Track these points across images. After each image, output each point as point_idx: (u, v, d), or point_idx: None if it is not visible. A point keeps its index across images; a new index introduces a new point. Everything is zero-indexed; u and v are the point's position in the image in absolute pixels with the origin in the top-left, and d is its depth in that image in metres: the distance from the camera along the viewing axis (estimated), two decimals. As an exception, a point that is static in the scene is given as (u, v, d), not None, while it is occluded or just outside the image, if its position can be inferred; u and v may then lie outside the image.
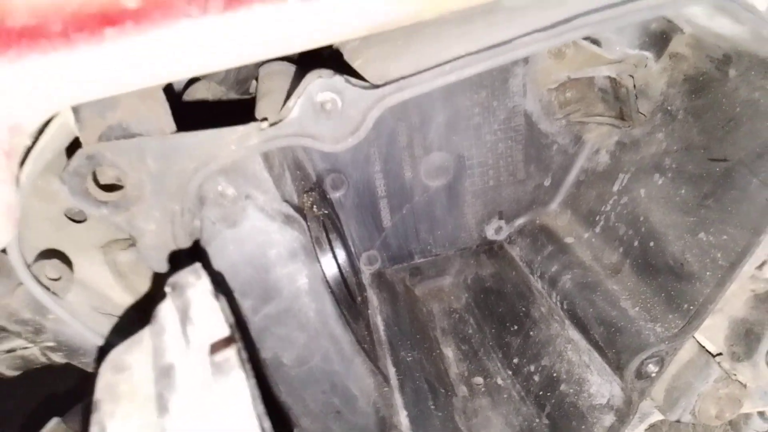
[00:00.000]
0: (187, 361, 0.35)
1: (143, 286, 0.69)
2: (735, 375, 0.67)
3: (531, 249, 0.91)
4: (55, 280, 0.59)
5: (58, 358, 0.69)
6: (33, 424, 0.91)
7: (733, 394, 0.67)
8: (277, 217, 0.53)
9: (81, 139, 0.50)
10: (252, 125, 0.50)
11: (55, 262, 0.60)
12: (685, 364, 0.69)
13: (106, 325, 0.64)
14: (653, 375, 0.69)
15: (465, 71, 0.50)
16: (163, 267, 0.55)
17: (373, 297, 0.97)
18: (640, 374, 0.69)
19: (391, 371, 0.83)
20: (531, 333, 0.90)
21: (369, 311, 0.88)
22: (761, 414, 0.90)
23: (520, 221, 0.94)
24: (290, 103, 0.50)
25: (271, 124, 0.50)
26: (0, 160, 0.37)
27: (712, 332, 0.68)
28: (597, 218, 0.84)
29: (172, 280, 0.41)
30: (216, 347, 0.33)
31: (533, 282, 0.91)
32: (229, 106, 0.78)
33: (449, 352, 1.00)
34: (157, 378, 0.36)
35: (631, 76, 0.77)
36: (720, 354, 0.67)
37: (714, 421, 0.69)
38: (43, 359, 0.77)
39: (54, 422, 0.90)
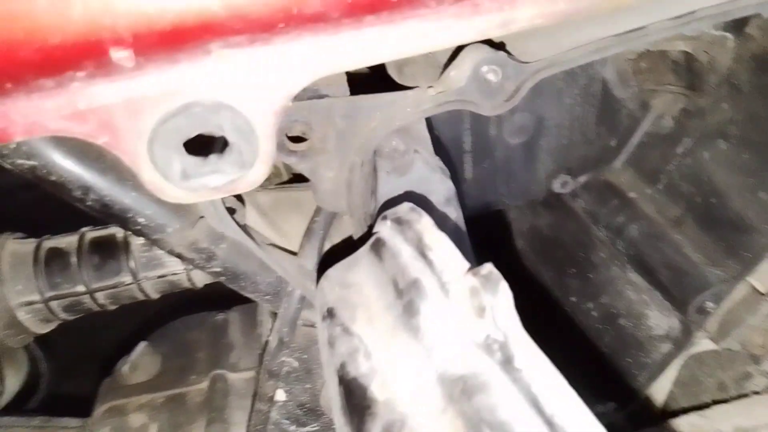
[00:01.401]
0: (433, 279, 0.46)
1: (284, 223, 0.79)
2: (781, 312, 0.80)
3: (595, 202, 1.03)
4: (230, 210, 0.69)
5: (213, 279, 0.79)
6: (123, 349, 1.02)
7: (778, 328, 0.80)
8: (437, 169, 0.64)
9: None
10: (422, 91, 0.60)
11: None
12: (738, 301, 0.81)
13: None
14: (711, 310, 0.82)
15: (602, 53, 0.60)
16: (334, 207, 0.66)
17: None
18: (701, 309, 0.82)
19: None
20: (590, 275, 1.02)
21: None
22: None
23: (585, 177, 1.05)
24: (454, 72, 0.59)
25: (440, 92, 0.59)
26: (270, 118, 0.47)
27: (762, 275, 0.80)
28: (660, 176, 0.95)
29: (394, 215, 0.51)
30: (474, 267, 0.43)
31: (595, 231, 1.03)
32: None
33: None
34: (405, 290, 0.47)
35: (705, 51, 0.87)
36: (769, 294, 0.80)
37: (759, 350, 0.82)
38: (186, 284, 0.88)
39: (142, 346, 1.01)
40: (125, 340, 1.06)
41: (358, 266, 0.53)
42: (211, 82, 0.45)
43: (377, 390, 0.45)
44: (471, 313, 0.43)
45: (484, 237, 1.23)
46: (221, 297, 0.95)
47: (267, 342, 0.76)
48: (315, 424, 0.84)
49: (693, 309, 0.81)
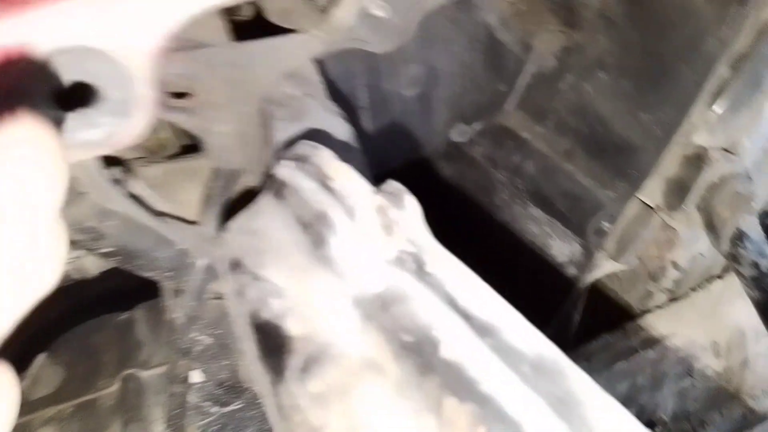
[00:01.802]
0: (338, 208, 0.45)
1: (181, 193, 0.76)
2: (670, 222, 0.86)
3: (492, 146, 1.06)
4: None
5: (107, 263, 0.75)
6: (21, 362, 0.95)
7: (669, 238, 0.86)
8: (333, 113, 0.63)
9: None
10: (310, 33, 0.59)
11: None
12: (632, 219, 0.87)
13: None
14: (608, 230, 0.87)
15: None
16: (230, 164, 0.64)
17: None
18: (598, 231, 0.87)
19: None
20: (495, 218, 1.06)
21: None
22: (675, 265, 1.12)
23: (480, 124, 1.08)
24: (340, 12, 0.59)
25: (328, 33, 0.59)
26: (145, 61, 0.45)
27: (651, 192, 0.86)
28: (549, 114, 0.99)
29: (292, 154, 0.50)
30: (379, 184, 0.43)
31: (494, 174, 1.06)
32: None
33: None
34: (311, 223, 0.46)
35: (576, -13, 0.91)
36: (658, 207, 0.86)
37: (655, 262, 0.88)
38: (76, 275, 0.83)
39: (40, 358, 0.95)
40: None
41: (261, 212, 0.51)
42: (72, 25, 0.42)
43: (293, 326, 0.44)
44: (380, 232, 0.43)
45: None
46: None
47: (173, 320, 0.73)
48: (239, 402, 0.82)
49: (591, 231, 0.85)
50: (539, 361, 0.34)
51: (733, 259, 0.87)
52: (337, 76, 0.92)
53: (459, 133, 1.08)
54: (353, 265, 0.44)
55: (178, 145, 0.93)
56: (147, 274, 0.71)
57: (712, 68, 0.79)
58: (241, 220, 0.53)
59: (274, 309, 0.46)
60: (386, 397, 0.36)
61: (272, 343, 0.45)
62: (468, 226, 1.13)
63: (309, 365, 0.41)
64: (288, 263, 0.48)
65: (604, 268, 0.97)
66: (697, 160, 0.82)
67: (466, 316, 0.36)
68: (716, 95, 0.83)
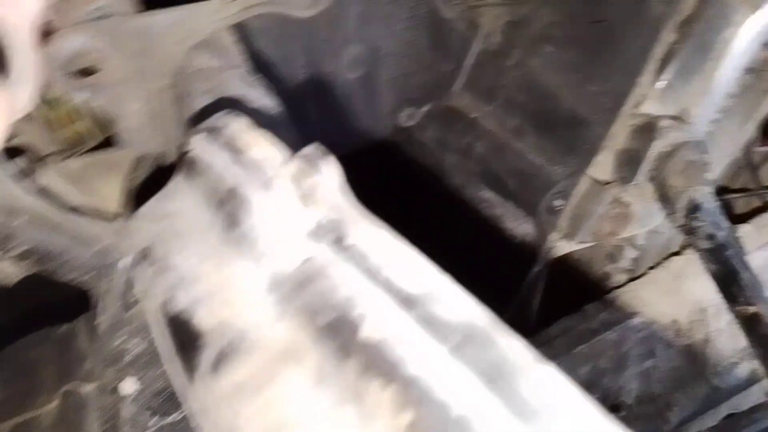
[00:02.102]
0: (252, 181, 0.40)
1: (103, 186, 0.70)
2: (623, 197, 0.83)
3: (441, 129, 1.02)
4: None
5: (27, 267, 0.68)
6: None
7: (622, 213, 0.84)
8: (258, 86, 0.58)
9: (56, 25, 0.51)
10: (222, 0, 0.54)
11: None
12: (583, 195, 0.84)
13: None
14: (560, 208, 0.83)
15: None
16: (146, 146, 0.58)
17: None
18: (550, 209, 0.83)
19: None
20: (449, 203, 1.02)
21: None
22: (632, 244, 1.10)
23: (428, 106, 1.04)
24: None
25: (242, -3, 0.54)
26: (24, 26, 0.39)
27: (602, 166, 0.83)
28: (497, 92, 0.96)
29: (205, 125, 0.45)
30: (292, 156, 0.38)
31: (445, 158, 1.02)
32: None
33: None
34: (223, 202, 0.41)
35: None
36: (610, 182, 0.83)
37: (609, 238, 0.85)
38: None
39: None
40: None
41: (172, 194, 0.46)
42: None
43: (204, 318, 0.40)
44: (297, 203, 0.38)
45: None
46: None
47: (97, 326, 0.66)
48: (179, 411, 0.76)
49: (543, 210, 0.82)
50: (470, 331, 0.30)
51: (689, 231, 0.85)
52: (274, 59, 0.87)
53: (407, 117, 1.04)
54: (270, 244, 0.39)
55: (99, 138, 0.87)
56: (68, 277, 0.65)
57: (659, 34, 0.76)
58: (151, 205, 0.48)
59: (184, 300, 0.41)
60: (304, 389, 0.32)
61: (184, 338, 0.40)
62: (423, 213, 1.09)
63: (220, 361, 0.36)
64: (200, 248, 0.43)
65: (561, 248, 0.94)
66: (648, 131, 0.79)
67: (390, 289, 0.32)
68: (664, 62, 0.80)
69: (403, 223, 1.10)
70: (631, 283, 1.07)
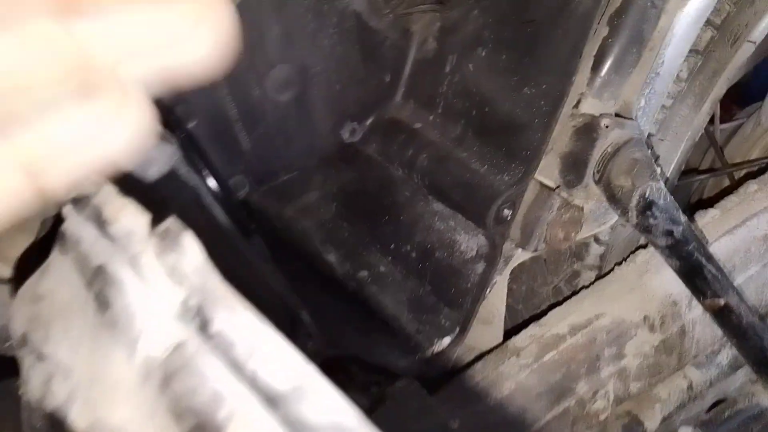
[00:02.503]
0: (118, 256, 0.36)
1: (9, 249, 0.66)
2: (572, 200, 0.79)
3: (385, 142, 0.98)
4: None
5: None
6: None
7: (573, 217, 0.80)
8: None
9: None
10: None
11: None
12: (532, 202, 0.80)
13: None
14: (509, 217, 0.80)
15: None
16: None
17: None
18: (499, 219, 0.80)
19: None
20: (401, 218, 0.98)
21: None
22: (597, 240, 1.06)
23: (370, 120, 1.00)
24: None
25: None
26: None
27: (548, 171, 0.79)
28: (437, 100, 0.92)
29: (71, 197, 0.41)
30: (152, 223, 0.34)
31: (392, 171, 0.98)
32: None
33: (331, 257, 1.06)
34: (89, 282, 0.37)
35: (441, -39, 0.84)
36: (557, 187, 0.79)
37: (563, 243, 0.82)
38: None
39: None
40: None
41: (48, 272, 0.42)
42: None
43: (79, 416, 0.35)
44: (166, 281, 0.34)
45: (302, 207, 1.16)
46: None
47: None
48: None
49: (491, 220, 0.78)
50: (337, 433, 0.26)
51: (645, 230, 0.81)
52: (200, 90, 0.83)
53: (350, 133, 1.00)
54: (142, 327, 0.35)
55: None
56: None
57: (589, 29, 0.73)
58: (30, 283, 0.44)
59: (59, 395, 0.37)
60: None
61: (58, 439, 0.35)
62: (377, 230, 1.05)
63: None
64: (74, 333, 0.38)
65: (518, 256, 0.90)
66: (589, 131, 0.76)
67: (256, 385, 0.28)
68: (598, 58, 0.77)
69: (358, 241, 1.06)
70: (597, 283, 1.04)
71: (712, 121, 1.33)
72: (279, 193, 1.09)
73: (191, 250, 0.33)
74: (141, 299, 0.35)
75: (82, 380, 0.37)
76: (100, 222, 0.38)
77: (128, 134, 0.24)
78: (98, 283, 0.37)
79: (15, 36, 0.20)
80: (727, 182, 1.43)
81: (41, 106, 0.22)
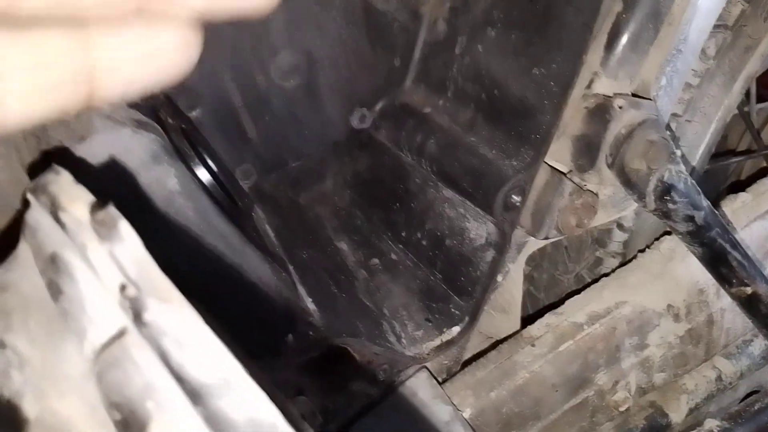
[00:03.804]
0: (68, 243, 0.36)
1: None
2: (585, 185, 0.76)
3: (395, 128, 0.96)
4: None
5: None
6: None
7: (587, 203, 0.76)
8: (127, 123, 0.53)
9: None
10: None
11: None
12: (542, 187, 0.77)
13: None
14: (518, 204, 0.77)
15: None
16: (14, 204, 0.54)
17: (257, 210, 0.99)
18: (507, 206, 0.77)
19: (289, 268, 0.87)
20: (412, 205, 0.96)
21: (255, 220, 0.90)
22: (620, 226, 1.02)
23: (380, 105, 0.98)
24: None
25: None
26: None
27: (559, 155, 0.76)
28: (448, 83, 0.89)
29: (33, 184, 0.41)
30: (93, 211, 0.34)
31: (404, 158, 0.96)
32: None
33: (343, 245, 1.05)
34: (43, 270, 0.37)
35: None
36: (570, 171, 0.76)
37: (576, 231, 0.78)
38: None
39: None
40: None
41: (14, 262, 0.42)
42: None
43: (30, 405, 0.35)
44: (109, 268, 0.33)
45: (317, 194, 1.15)
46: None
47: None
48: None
49: (499, 207, 0.76)
50: (252, 429, 0.25)
51: (664, 215, 0.77)
52: (201, 77, 0.83)
53: (360, 119, 0.98)
54: (90, 316, 0.34)
55: None
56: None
57: (600, 4, 0.69)
58: (-2, 274, 0.43)
59: (14, 385, 0.37)
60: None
61: (9, 427, 0.35)
62: (389, 217, 1.03)
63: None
64: (34, 322, 0.38)
65: (531, 244, 0.87)
66: (602, 112, 0.72)
67: (182, 377, 0.27)
68: (612, 35, 0.73)
69: (370, 228, 1.04)
70: (618, 270, 1.00)
71: (749, 100, 1.26)
72: (293, 181, 1.08)
73: (129, 238, 0.32)
74: (90, 288, 0.34)
75: (36, 369, 0.36)
76: (55, 210, 0.38)
77: (177, 61, 0.26)
78: (49, 272, 0.36)
79: None
80: (763, 164, 1.36)
81: (111, 16, 0.23)
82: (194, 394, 0.26)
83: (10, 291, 0.41)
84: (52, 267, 0.36)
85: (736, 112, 1.14)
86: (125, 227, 0.31)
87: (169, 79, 0.26)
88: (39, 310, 0.38)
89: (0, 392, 0.37)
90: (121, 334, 0.31)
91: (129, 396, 0.28)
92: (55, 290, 0.36)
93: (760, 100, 1.28)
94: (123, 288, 0.31)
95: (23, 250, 0.42)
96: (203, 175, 0.64)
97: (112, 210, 0.32)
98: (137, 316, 0.30)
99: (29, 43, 0.22)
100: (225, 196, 0.67)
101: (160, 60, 0.26)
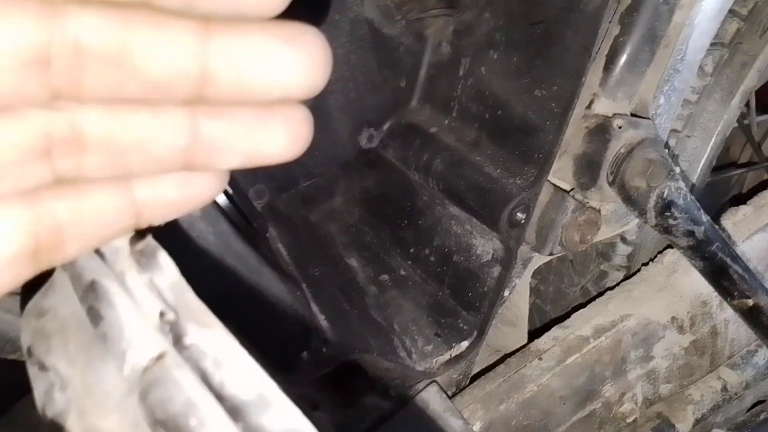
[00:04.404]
0: (107, 271, 0.38)
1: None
2: (588, 202, 0.78)
3: (402, 147, 0.99)
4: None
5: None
6: None
7: (589, 219, 0.79)
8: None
9: None
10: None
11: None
12: (546, 205, 0.79)
13: None
14: (523, 221, 0.79)
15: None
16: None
17: (270, 229, 1.01)
18: (512, 223, 0.79)
19: (302, 286, 0.89)
20: (419, 222, 0.99)
21: (269, 238, 0.93)
22: (624, 240, 1.04)
23: (387, 125, 1.01)
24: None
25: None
26: None
27: (562, 173, 0.78)
28: (452, 104, 0.92)
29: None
30: (133, 241, 0.36)
31: (411, 176, 0.99)
32: None
33: (353, 261, 1.07)
34: (82, 298, 0.39)
35: (450, -34, 0.84)
36: (572, 189, 0.78)
37: (580, 246, 0.81)
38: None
39: None
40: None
41: (52, 288, 0.44)
42: None
43: (74, 424, 0.37)
44: (148, 296, 0.36)
45: (327, 211, 1.17)
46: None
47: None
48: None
49: (504, 224, 0.78)
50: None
51: (665, 231, 0.80)
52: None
53: (368, 139, 1.01)
54: (128, 341, 0.36)
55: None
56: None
57: (598, 28, 0.71)
58: (35, 299, 0.46)
59: (57, 405, 0.39)
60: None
61: (55, 446, 0.38)
62: (398, 234, 1.06)
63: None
64: (72, 346, 0.40)
65: (536, 259, 0.89)
66: (601, 132, 0.75)
67: (220, 397, 0.30)
68: (611, 58, 0.76)
69: (380, 245, 1.07)
70: (623, 284, 1.03)
71: (749, 113, 1.29)
72: (304, 199, 1.11)
73: (167, 267, 0.34)
74: (128, 313, 0.37)
75: (78, 390, 0.39)
76: (95, 241, 0.40)
77: (209, 198, 0.34)
78: (89, 298, 0.39)
79: None
80: (766, 176, 1.38)
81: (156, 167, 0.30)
82: (234, 411, 0.29)
83: (49, 316, 0.43)
84: (92, 294, 0.39)
85: (736, 125, 1.16)
86: (164, 257, 0.34)
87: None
88: (77, 333, 0.40)
89: (44, 413, 0.39)
90: (161, 356, 0.33)
91: (173, 413, 0.31)
92: (95, 316, 0.38)
93: (762, 112, 1.30)
94: (162, 314, 0.34)
95: (59, 277, 0.44)
96: (220, 198, 0.67)
97: (150, 241, 0.34)
98: (177, 341, 0.32)
99: (90, 202, 0.30)
100: (241, 218, 0.70)
101: (194, 203, 0.33)
